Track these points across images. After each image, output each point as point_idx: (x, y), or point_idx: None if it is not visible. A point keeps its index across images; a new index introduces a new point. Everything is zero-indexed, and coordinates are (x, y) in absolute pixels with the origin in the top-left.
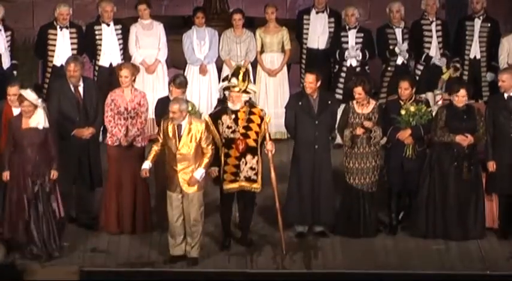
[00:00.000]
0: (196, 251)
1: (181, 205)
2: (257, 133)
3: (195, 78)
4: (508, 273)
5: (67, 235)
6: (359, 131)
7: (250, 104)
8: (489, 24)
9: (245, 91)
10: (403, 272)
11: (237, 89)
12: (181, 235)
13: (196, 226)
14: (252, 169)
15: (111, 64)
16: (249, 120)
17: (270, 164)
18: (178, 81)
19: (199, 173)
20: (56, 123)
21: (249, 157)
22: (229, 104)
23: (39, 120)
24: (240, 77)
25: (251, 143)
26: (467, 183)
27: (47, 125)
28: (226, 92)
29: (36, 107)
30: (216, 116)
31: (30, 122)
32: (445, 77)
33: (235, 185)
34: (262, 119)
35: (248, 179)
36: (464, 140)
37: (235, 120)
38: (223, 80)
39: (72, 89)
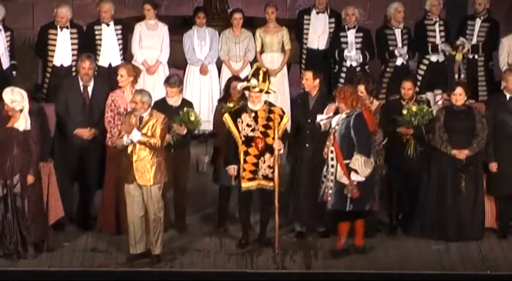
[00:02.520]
0: (159, 248)
1: (142, 201)
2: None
3: (196, 79)
4: (508, 273)
5: (67, 235)
6: None
7: (270, 103)
8: (488, 24)
9: (266, 91)
10: (403, 272)
11: (256, 89)
12: (142, 231)
13: (157, 221)
14: (270, 167)
15: (110, 64)
16: (269, 119)
17: (274, 162)
18: (172, 80)
19: (136, 133)
20: (60, 121)
21: (267, 155)
22: (250, 104)
23: (20, 123)
24: (261, 77)
25: (270, 141)
26: (468, 184)
27: (28, 128)
28: (246, 92)
29: (18, 109)
30: (236, 114)
31: (14, 123)
32: (458, 58)
33: (253, 184)
34: (281, 117)
35: (266, 177)
36: (459, 154)
37: (255, 118)
38: (243, 80)
39: (82, 88)
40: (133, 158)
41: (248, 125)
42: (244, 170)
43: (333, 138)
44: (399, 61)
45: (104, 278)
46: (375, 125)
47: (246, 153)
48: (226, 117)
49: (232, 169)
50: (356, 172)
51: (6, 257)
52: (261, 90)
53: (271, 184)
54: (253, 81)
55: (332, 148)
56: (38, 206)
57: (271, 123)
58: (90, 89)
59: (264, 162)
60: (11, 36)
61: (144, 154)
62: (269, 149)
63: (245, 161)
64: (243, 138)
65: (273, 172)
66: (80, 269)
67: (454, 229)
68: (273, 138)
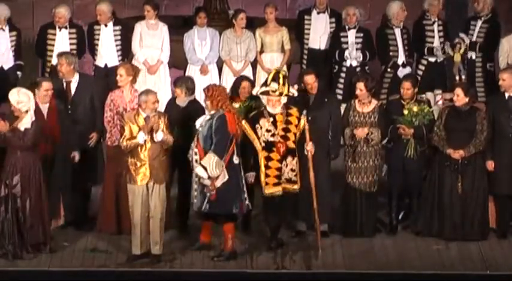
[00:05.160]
0: (160, 248)
1: (147, 201)
2: (295, 134)
3: (196, 79)
4: (508, 273)
5: (67, 235)
6: (359, 132)
7: (287, 106)
8: (488, 25)
9: (286, 94)
10: (403, 272)
11: (277, 93)
12: (146, 231)
13: (162, 220)
14: (292, 170)
15: (106, 65)
16: (287, 122)
17: (309, 164)
18: (178, 82)
19: (160, 133)
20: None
21: (289, 158)
22: (269, 108)
23: (24, 122)
24: (281, 81)
25: (290, 144)
26: (466, 184)
27: (28, 126)
28: (264, 97)
29: (24, 110)
30: (254, 120)
31: (17, 123)
32: (456, 58)
33: (278, 189)
34: (299, 119)
35: (289, 180)
36: (454, 153)
37: (274, 123)
38: (261, 86)
39: (64, 85)
40: (147, 158)
41: (268, 131)
42: (268, 176)
43: (197, 140)
44: (400, 61)
45: (104, 278)
46: (236, 128)
47: (268, 158)
48: (244, 124)
49: (251, 176)
50: (205, 169)
51: (3, 257)
52: (280, 94)
53: (295, 187)
54: (274, 85)
55: (196, 150)
56: (38, 208)
57: (290, 127)
58: (73, 85)
59: (287, 166)
60: (17, 36)
61: (156, 153)
62: (290, 152)
63: (268, 167)
64: (263, 144)
65: (296, 175)
66: (80, 269)
67: (453, 229)
68: (294, 141)
